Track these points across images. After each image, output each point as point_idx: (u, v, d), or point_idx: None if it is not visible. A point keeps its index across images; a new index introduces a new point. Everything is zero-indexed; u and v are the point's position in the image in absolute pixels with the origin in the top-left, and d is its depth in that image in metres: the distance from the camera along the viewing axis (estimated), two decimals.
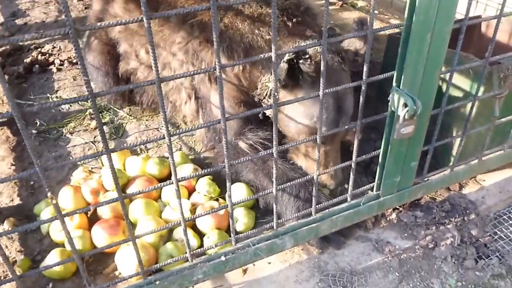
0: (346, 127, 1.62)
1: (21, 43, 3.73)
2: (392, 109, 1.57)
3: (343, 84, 1.96)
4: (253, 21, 2.12)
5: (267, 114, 2.20)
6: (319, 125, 1.49)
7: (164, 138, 1.25)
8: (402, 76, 1.51)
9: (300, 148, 2.14)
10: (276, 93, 1.34)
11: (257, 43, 2.10)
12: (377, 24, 3.96)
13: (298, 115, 1.99)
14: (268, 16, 2.11)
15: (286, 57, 1.75)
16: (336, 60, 1.97)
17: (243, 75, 2.19)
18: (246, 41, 2.11)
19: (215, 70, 1.20)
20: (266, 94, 2.12)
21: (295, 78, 1.89)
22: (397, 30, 2.43)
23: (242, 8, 2.16)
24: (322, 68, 1.34)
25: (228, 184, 1.45)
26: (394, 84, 1.54)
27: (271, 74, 2.00)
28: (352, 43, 2.07)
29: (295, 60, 1.79)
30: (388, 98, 1.57)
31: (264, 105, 2.16)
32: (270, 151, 1.46)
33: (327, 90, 1.40)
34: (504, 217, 2.15)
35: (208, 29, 2.26)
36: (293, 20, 2.08)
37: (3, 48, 3.58)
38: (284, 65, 1.78)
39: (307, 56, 1.77)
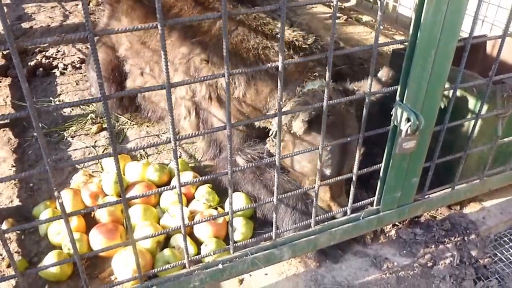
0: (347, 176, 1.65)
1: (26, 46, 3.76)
2: (395, 123, 1.57)
3: (349, 126, 1.97)
4: (257, 47, 2.10)
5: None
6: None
7: (169, 142, 1.25)
8: (406, 91, 1.52)
9: (306, 182, 2.11)
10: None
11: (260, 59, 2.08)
12: (381, 39, 3.97)
13: (301, 157, 1.97)
14: (275, 42, 2.08)
15: (301, 119, 1.77)
16: (343, 103, 1.93)
17: (244, 98, 2.17)
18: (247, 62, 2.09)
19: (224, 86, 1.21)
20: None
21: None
22: (401, 46, 2.44)
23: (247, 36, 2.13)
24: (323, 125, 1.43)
25: (230, 191, 1.45)
26: (397, 98, 1.55)
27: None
28: (363, 87, 1.99)
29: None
30: (391, 113, 1.57)
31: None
32: (272, 159, 1.46)
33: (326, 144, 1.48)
34: (505, 238, 2.13)
35: (208, 49, 2.24)
36: (300, 54, 2.06)
37: (8, 50, 3.60)
38: (301, 125, 1.79)
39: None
